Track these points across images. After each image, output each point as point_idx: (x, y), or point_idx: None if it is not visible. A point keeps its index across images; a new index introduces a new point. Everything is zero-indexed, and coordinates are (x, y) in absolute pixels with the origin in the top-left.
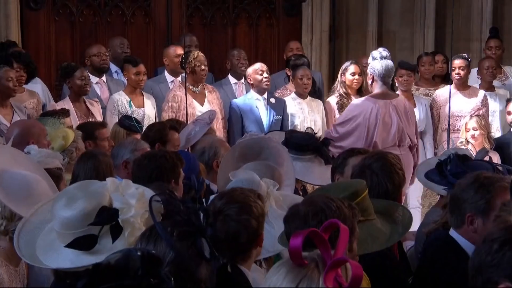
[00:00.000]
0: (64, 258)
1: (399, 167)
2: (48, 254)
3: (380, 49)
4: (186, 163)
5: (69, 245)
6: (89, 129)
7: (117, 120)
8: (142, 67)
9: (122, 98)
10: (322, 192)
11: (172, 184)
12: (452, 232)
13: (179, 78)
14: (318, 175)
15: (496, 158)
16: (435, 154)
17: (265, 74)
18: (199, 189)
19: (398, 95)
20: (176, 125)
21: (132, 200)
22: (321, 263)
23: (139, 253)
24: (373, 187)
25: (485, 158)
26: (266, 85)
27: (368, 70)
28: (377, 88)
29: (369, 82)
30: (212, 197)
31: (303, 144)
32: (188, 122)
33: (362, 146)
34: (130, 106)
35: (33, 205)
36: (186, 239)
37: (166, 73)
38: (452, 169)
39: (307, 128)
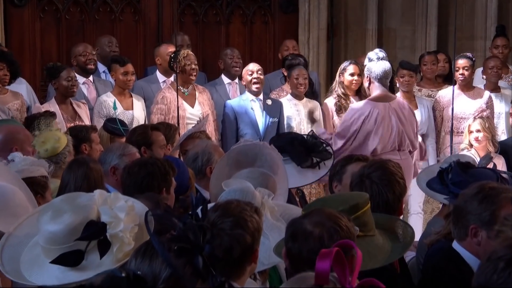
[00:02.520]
0: (49, 274)
1: (400, 176)
2: (33, 270)
3: (377, 50)
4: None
5: (54, 261)
6: (84, 132)
7: None
8: (130, 67)
9: (109, 100)
10: (321, 204)
11: (164, 193)
12: (455, 245)
13: (172, 78)
14: (291, 177)
15: (501, 163)
16: (437, 161)
17: (254, 75)
18: (196, 206)
19: (396, 96)
20: (159, 125)
21: (121, 213)
22: (339, 285)
23: (123, 274)
24: (373, 197)
25: (490, 165)
26: (256, 88)
27: (364, 72)
28: (375, 91)
29: (366, 84)
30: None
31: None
32: (179, 124)
33: (359, 150)
34: (115, 108)
35: (9, 217)
36: (183, 256)
37: (158, 73)
38: (453, 178)
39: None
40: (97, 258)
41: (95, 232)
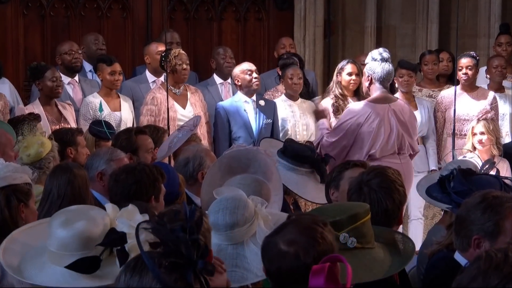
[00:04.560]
0: (57, 279)
1: (399, 184)
2: (40, 275)
3: (381, 50)
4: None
5: (70, 266)
6: (69, 135)
7: None
8: (117, 66)
9: (95, 101)
10: (318, 213)
11: (152, 201)
12: (457, 256)
13: (162, 78)
14: (312, 191)
15: (505, 167)
16: (439, 168)
17: (254, 75)
18: (190, 218)
19: (397, 98)
20: (145, 128)
21: None
22: None
23: None
24: (372, 205)
25: (493, 170)
26: (256, 85)
27: (365, 71)
28: (375, 92)
29: (366, 84)
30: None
31: (302, 155)
32: (169, 126)
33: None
34: (101, 110)
35: None
36: (174, 271)
37: (148, 73)
38: (455, 187)
39: (306, 141)
40: (110, 268)
41: (116, 240)
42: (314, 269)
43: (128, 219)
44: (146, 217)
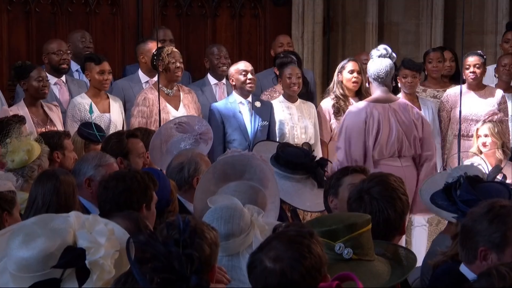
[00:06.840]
0: None
1: (402, 192)
2: None
3: (380, 46)
4: None
5: None
6: (56, 138)
7: None
8: (106, 65)
9: (84, 102)
10: (317, 223)
11: (143, 210)
12: (463, 268)
13: (155, 79)
14: (308, 199)
15: None
16: (443, 168)
17: (249, 75)
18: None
19: (398, 98)
20: (136, 132)
21: (101, 238)
22: None
23: None
24: (373, 214)
25: (499, 176)
26: (250, 87)
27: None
28: (374, 91)
29: (367, 85)
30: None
31: (295, 162)
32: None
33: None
34: (91, 111)
35: None
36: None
37: (140, 73)
38: (462, 196)
39: (304, 143)
40: (74, 287)
41: (73, 259)
42: (321, 286)
43: (89, 230)
44: (110, 226)
